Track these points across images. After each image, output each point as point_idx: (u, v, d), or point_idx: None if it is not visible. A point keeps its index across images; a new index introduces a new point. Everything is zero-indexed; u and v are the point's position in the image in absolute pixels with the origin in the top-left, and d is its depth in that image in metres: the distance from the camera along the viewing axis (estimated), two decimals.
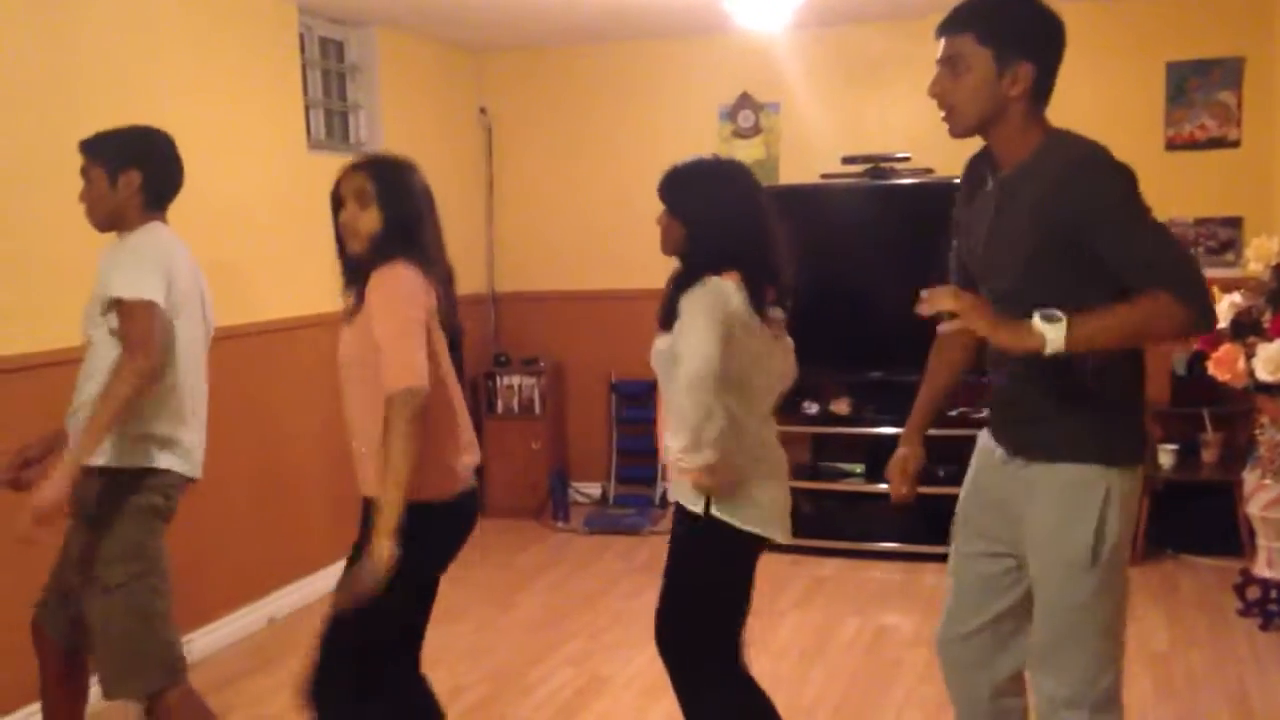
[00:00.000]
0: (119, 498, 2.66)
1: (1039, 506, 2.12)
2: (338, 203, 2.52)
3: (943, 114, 2.13)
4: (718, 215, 2.55)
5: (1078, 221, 1.95)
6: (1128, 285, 1.93)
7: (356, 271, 2.48)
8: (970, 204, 2.23)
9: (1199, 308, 1.90)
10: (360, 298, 2.43)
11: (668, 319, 2.48)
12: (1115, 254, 1.94)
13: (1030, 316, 1.91)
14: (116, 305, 2.58)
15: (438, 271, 2.51)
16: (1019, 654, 2.29)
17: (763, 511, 2.56)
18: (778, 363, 2.59)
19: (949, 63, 2.07)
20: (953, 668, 2.38)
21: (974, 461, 2.36)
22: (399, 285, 2.39)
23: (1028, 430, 2.15)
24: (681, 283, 2.46)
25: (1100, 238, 1.94)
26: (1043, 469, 2.12)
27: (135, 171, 2.73)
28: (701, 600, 2.62)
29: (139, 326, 2.55)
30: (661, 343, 2.52)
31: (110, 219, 2.75)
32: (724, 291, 2.42)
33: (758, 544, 2.59)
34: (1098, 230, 1.94)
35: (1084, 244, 1.96)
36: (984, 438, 2.34)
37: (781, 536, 2.61)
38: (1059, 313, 1.89)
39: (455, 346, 2.64)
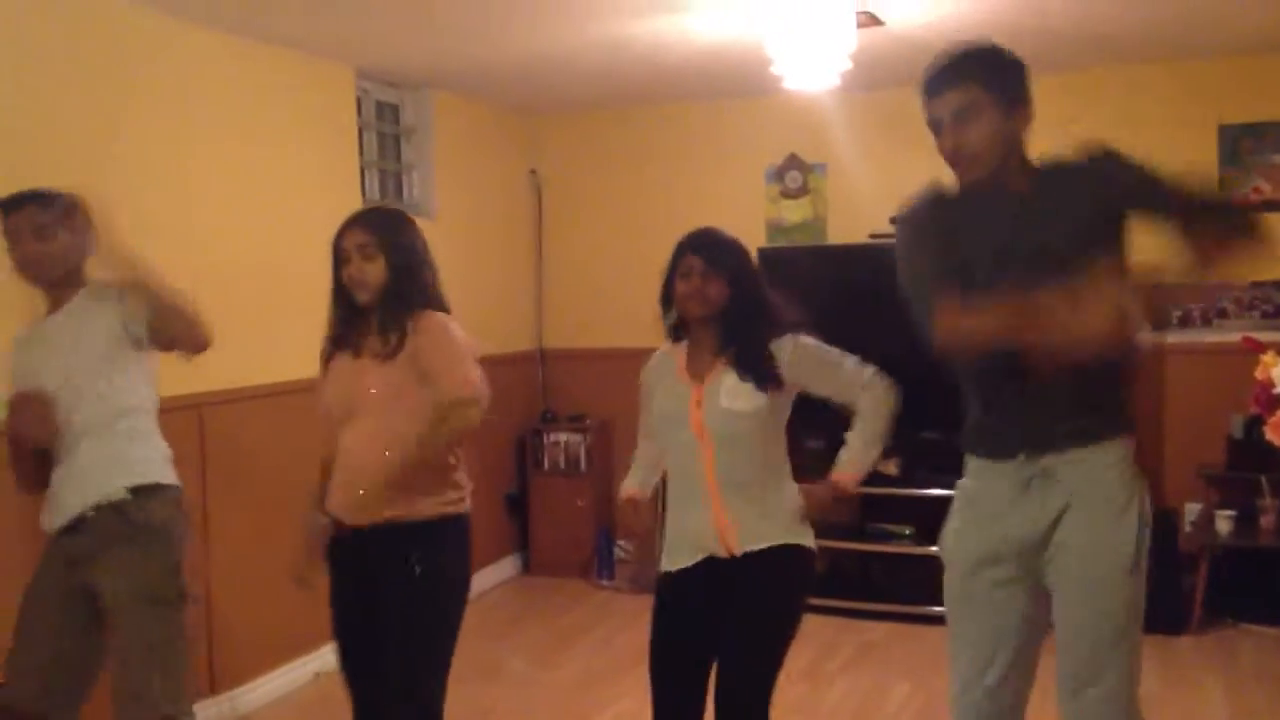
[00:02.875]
0: (172, 513, 2.74)
1: (1081, 507, 2.17)
2: (340, 257, 2.65)
3: (957, 166, 2.24)
4: (756, 275, 2.75)
5: (1126, 191, 2.16)
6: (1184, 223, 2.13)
7: (356, 322, 2.67)
8: (953, 235, 2.26)
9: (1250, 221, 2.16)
10: (395, 342, 2.60)
11: (766, 377, 2.58)
12: (1168, 201, 2.17)
13: None
14: None
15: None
16: (1024, 694, 2.33)
17: None
18: None
19: (960, 115, 2.20)
20: None
21: (964, 508, 2.34)
22: (451, 328, 2.66)
23: (1066, 424, 2.17)
24: (761, 342, 2.61)
25: (1152, 194, 2.17)
26: (1084, 455, 2.16)
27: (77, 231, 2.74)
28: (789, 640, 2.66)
29: None
30: (745, 402, 2.57)
31: (72, 272, 2.76)
32: None
33: None
34: (1147, 189, 2.18)
35: (1133, 212, 2.16)
36: (974, 481, 2.32)
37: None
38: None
39: None
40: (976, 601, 2.30)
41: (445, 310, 2.76)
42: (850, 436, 2.62)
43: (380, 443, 2.59)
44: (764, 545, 2.57)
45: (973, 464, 2.33)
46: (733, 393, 2.56)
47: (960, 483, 2.36)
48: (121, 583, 2.67)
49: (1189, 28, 4.49)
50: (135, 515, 2.68)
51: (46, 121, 3.39)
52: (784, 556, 2.58)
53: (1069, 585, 2.19)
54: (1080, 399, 2.16)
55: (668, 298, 2.70)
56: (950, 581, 2.36)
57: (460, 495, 2.75)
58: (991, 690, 2.29)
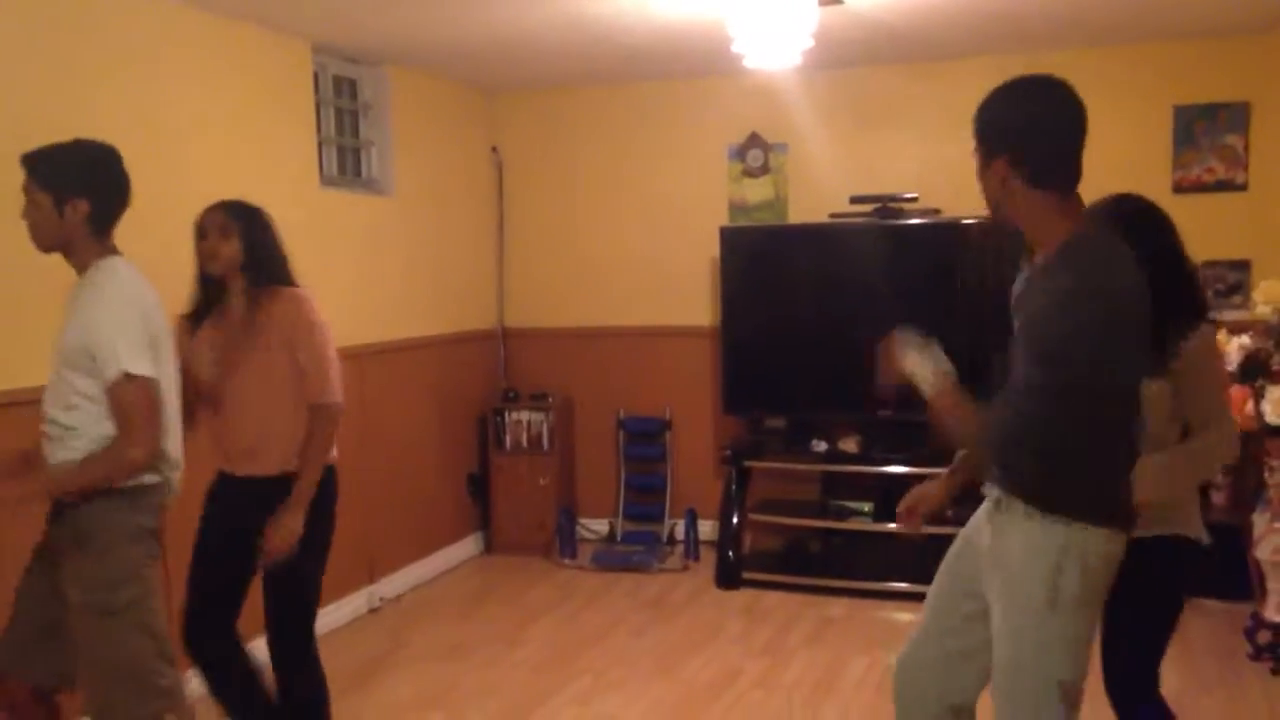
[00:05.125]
0: (116, 519, 2.63)
1: (1005, 550, 2.18)
2: (198, 234, 3.03)
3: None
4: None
5: (1019, 325, 2.17)
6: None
7: (214, 289, 3.06)
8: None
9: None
10: (249, 311, 3.00)
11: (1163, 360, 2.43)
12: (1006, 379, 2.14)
13: None
14: (121, 378, 2.56)
15: None
16: (962, 690, 2.39)
17: None
18: None
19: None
20: (906, 687, 2.49)
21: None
22: (314, 311, 3.04)
23: (1002, 473, 2.22)
24: (1183, 325, 2.47)
25: (1015, 356, 2.13)
26: (1011, 514, 2.17)
27: (84, 200, 2.64)
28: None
29: (142, 409, 2.60)
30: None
31: (56, 245, 2.68)
32: None
33: None
34: (1019, 348, 2.13)
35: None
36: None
37: None
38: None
39: None
40: (941, 589, 2.42)
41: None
42: None
43: (254, 402, 2.99)
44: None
45: None
46: None
47: None
48: (75, 592, 2.62)
49: (1144, 11, 4.54)
50: (84, 522, 2.62)
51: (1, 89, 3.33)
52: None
53: (994, 617, 2.24)
54: (1015, 457, 2.17)
55: None
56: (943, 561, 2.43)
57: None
58: (922, 664, 2.46)
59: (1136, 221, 2.44)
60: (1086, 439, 2.11)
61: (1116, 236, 2.12)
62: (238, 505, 3.04)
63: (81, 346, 2.59)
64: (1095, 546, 2.11)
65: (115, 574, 2.63)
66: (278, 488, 2.96)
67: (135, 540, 2.66)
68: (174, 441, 2.75)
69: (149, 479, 2.68)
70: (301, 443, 2.98)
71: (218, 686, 3.12)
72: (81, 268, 2.69)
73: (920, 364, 2.21)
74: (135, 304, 2.64)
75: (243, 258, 3.02)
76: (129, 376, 2.57)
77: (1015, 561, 2.16)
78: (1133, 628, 2.57)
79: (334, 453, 3.06)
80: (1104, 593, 2.17)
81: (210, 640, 3.08)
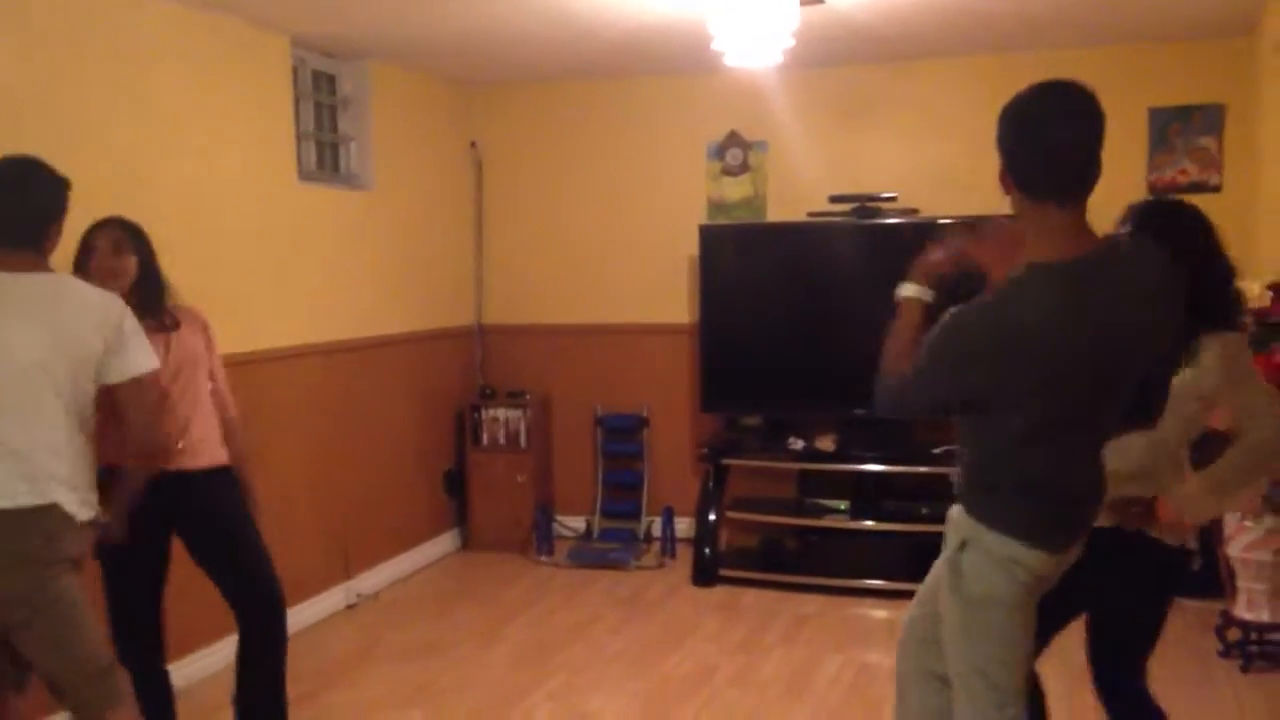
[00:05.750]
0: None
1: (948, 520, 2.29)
2: (87, 249, 3.02)
3: None
4: None
5: None
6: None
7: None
8: None
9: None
10: (168, 319, 3.12)
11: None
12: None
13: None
14: (135, 382, 2.63)
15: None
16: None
17: None
18: None
19: None
20: (902, 659, 2.55)
21: None
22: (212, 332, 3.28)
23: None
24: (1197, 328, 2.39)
25: None
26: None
27: None
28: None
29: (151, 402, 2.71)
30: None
31: None
32: None
33: None
34: None
35: None
36: None
37: None
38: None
39: None
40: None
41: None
42: None
43: (194, 404, 3.15)
44: None
45: None
46: None
47: None
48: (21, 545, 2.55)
49: (1120, 14, 4.58)
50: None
51: None
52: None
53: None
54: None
55: None
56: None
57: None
58: (917, 619, 2.52)
59: (1157, 222, 2.44)
60: (972, 443, 2.20)
61: (1115, 255, 2.06)
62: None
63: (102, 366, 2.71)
64: (998, 549, 2.14)
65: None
66: None
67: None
68: None
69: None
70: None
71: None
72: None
73: (916, 279, 2.27)
74: None
75: (139, 274, 3.08)
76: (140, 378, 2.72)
77: (947, 535, 2.26)
78: (1120, 625, 2.61)
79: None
80: (1022, 598, 2.16)
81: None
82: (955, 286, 2.22)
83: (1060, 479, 2.16)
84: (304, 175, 4.89)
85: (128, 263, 3.06)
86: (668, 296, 5.94)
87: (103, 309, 2.62)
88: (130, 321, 2.66)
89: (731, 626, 4.71)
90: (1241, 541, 4.02)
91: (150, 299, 3.09)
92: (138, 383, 2.64)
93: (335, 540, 4.94)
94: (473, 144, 6.17)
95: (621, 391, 6.04)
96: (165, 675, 3.27)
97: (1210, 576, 4.57)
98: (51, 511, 2.52)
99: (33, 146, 3.44)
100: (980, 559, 2.16)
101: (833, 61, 5.44)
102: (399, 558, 5.49)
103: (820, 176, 5.55)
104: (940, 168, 5.29)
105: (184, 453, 3.11)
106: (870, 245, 5.26)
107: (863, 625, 4.69)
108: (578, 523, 6.09)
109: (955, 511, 2.25)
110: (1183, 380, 2.38)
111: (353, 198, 5.22)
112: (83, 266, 2.98)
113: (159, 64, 3.99)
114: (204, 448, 3.18)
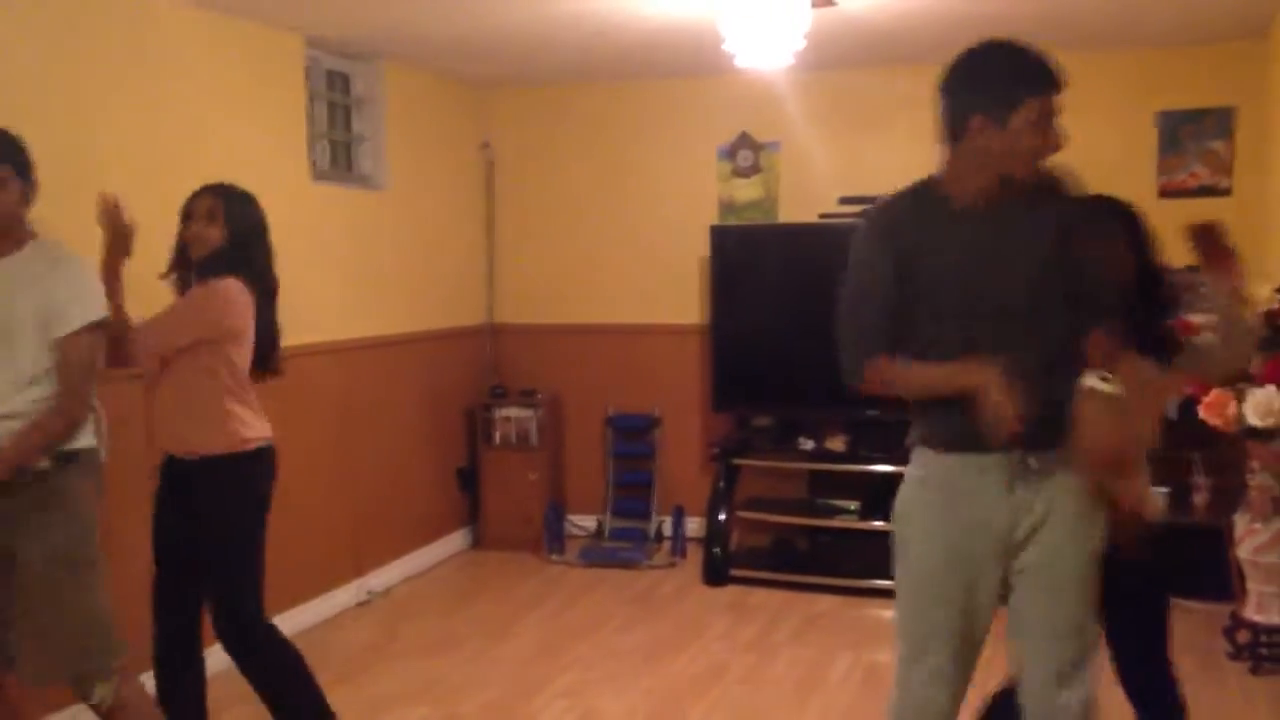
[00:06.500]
0: (77, 478, 2.72)
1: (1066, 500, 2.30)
2: (187, 217, 3.05)
3: (1044, 160, 2.35)
4: None
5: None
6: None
7: (193, 274, 3.04)
8: (930, 232, 2.37)
9: None
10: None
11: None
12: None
13: (1030, 326, 2.23)
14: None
15: (264, 284, 3.13)
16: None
17: None
18: None
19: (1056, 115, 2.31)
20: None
21: (947, 496, 2.37)
22: (199, 299, 3.00)
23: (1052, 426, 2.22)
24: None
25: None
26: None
27: (27, 179, 2.74)
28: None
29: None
30: None
31: (7, 227, 2.72)
32: None
33: None
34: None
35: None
36: (961, 464, 2.35)
37: None
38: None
39: (274, 347, 3.30)
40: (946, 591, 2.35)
41: (271, 283, 3.18)
42: None
43: (172, 388, 3.03)
44: None
45: (946, 457, 2.36)
46: None
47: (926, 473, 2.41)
48: (36, 546, 2.65)
49: (1131, 18, 4.58)
50: (55, 481, 2.68)
51: None
52: None
53: (1055, 581, 2.32)
54: (1048, 397, 2.18)
55: None
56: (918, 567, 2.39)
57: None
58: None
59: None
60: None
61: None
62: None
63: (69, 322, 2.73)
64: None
65: (86, 528, 2.73)
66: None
67: (90, 498, 2.77)
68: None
69: (91, 440, 2.79)
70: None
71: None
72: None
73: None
74: None
75: (225, 244, 3.05)
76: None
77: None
78: (1129, 620, 2.64)
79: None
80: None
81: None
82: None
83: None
84: (318, 175, 4.92)
85: (209, 232, 3.04)
86: (679, 297, 5.96)
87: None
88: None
89: (742, 626, 4.73)
90: (1251, 544, 4.03)
91: (199, 275, 3.03)
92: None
93: (347, 537, 4.98)
94: (485, 144, 6.19)
95: (632, 391, 6.07)
96: (201, 663, 3.30)
97: (1221, 580, 4.58)
98: None
99: (52, 146, 3.49)
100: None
101: (844, 63, 5.45)
102: (411, 555, 5.52)
103: (831, 178, 5.56)
104: None
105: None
106: None
107: (873, 625, 4.70)
108: (589, 521, 6.11)
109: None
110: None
111: (366, 197, 5.26)
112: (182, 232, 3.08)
113: (174, 65, 4.03)
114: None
